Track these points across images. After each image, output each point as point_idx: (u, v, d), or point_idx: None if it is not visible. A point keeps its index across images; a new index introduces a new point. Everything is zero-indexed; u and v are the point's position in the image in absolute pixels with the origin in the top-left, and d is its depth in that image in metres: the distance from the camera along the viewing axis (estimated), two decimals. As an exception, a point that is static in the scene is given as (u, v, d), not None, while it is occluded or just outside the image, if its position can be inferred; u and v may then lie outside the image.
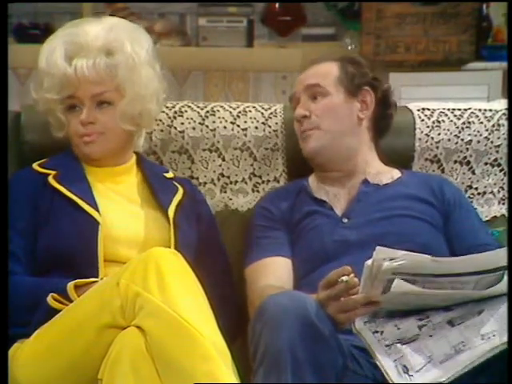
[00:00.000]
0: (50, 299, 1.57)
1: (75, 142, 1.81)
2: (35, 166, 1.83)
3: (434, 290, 1.41)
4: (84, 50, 1.76)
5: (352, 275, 1.45)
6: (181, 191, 1.87)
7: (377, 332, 1.45)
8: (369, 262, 1.39)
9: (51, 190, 1.75)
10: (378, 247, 1.39)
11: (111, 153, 1.82)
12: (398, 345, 1.42)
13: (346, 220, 1.84)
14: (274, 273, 1.81)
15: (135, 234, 1.74)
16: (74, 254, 1.67)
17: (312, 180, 1.96)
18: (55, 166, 1.81)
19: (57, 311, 1.55)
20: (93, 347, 1.45)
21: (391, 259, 1.38)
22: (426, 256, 1.40)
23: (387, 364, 1.40)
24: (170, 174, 1.94)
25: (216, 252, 1.91)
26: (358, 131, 1.93)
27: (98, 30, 1.79)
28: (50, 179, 1.77)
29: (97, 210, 1.71)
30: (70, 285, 1.58)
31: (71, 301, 1.56)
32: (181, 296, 1.42)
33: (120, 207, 1.78)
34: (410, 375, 1.38)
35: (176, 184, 1.90)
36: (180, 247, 1.69)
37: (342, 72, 1.93)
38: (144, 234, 1.74)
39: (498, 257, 1.41)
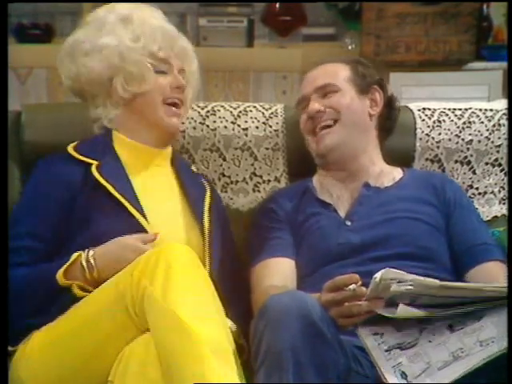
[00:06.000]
0: (59, 276, 1.54)
1: (157, 108, 1.80)
2: (71, 150, 1.78)
3: (438, 311, 1.41)
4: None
5: (359, 283, 1.44)
6: (208, 193, 1.86)
7: (377, 334, 1.44)
8: (377, 277, 1.39)
9: (94, 181, 1.70)
10: (387, 268, 1.38)
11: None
12: (398, 350, 1.41)
13: (349, 223, 1.83)
14: (278, 273, 1.80)
15: (177, 240, 1.69)
16: None
17: (316, 180, 1.96)
18: (93, 153, 1.76)
19: (52, 297, 1.54)
20: (107, 342, 1.45)
21: (399, 282, 1.38)
22: (435, 281, 1.39)
23: (386, 369, 1.40)
24: (194, 168, 1.94)
25: (229, 246, 1.88)
26: (369, 128, 1.94)
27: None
28: (94, 171, 1.71)
29: (143, 215, 1.67)
30: (60, 272, 1.55)
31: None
32: (183, 292, 1.41)
33: (160, 207, 1.74)
34: (408, 382, 1.38)
35: (204, 182, 1.89)
36: (213, 256, 1.71)
37: (353, 72, 1.94)
38: (185, 240, 1.72)
39: (506, 288, 1.40)
